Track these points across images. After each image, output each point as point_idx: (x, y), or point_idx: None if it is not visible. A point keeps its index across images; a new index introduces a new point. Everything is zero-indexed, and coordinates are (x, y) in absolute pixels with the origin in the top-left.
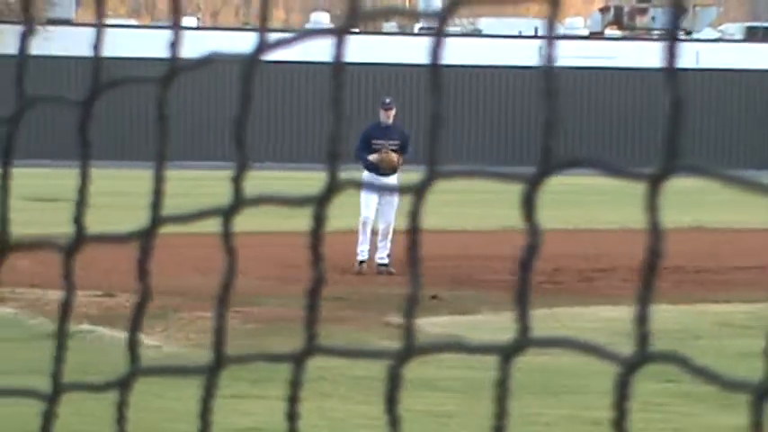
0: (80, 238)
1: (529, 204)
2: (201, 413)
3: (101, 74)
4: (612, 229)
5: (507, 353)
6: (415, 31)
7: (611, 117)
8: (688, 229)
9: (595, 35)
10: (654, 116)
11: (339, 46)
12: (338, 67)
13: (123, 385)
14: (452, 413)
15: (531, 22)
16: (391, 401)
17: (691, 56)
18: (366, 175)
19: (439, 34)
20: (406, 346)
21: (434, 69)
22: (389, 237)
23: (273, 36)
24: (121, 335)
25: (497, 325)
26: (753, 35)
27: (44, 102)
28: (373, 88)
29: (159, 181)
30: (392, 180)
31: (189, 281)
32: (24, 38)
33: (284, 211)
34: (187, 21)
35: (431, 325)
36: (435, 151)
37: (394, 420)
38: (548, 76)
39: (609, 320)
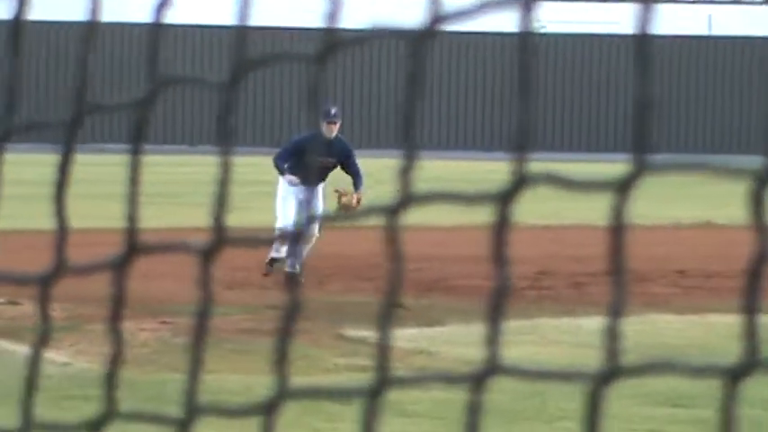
0: (219, 240)
1: (758, 203)
2: None
3: (245, 49)
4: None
5: (735, 374)
6: None
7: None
8: (696, 226)
9: None
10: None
11: (527, 15)
12: (528, 39)
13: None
14: None
15: None
16: None
17: (702, 21)
18: (284, 184)
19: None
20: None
21: (643, 41)
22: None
23: (450, 6)
24: (25, 350)
25: (470, 338)
26: None
27: (181, 82)
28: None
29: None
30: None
31: (107, 286)
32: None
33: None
34: None
35: (396, 339)
36: (645, 140)
37: None
38: None
39: (600, 334)
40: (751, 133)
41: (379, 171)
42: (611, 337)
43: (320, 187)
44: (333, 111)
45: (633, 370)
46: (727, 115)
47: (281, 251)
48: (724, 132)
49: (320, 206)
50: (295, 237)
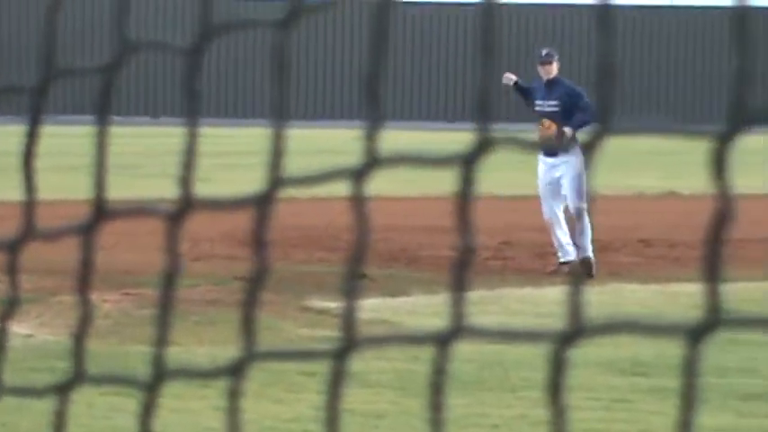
0: (186, 205)
1: (720, 165)
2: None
3: (210, 17)
4: None
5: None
6: None
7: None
8: (660, 196)
9: None
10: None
11: None
12: (490, 6)
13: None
14: (384, 412)
15: None
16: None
17: None
18: (540, 164)
19: None
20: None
21: (605, 10)
22: (582, 222)
23: None
24: None
25: (434, 308)
26: None
27: (147, 47)
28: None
29: (278, 139)
30: (559, 159)
31: (72, 258)
32: None
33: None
34: None
35: (359, 309)
36: (608, 104)
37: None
38: (741, 17)
39: (563, 304)
40: (713, 103)
41: (343, 143)
42: (576, 296)
43: (574, 155)
44: (544, 51)
45: (596, 330)
46: (689, 85)
47: (569, 252)
48: (686, 101)
49: (576, 175)
50: (554, 224)
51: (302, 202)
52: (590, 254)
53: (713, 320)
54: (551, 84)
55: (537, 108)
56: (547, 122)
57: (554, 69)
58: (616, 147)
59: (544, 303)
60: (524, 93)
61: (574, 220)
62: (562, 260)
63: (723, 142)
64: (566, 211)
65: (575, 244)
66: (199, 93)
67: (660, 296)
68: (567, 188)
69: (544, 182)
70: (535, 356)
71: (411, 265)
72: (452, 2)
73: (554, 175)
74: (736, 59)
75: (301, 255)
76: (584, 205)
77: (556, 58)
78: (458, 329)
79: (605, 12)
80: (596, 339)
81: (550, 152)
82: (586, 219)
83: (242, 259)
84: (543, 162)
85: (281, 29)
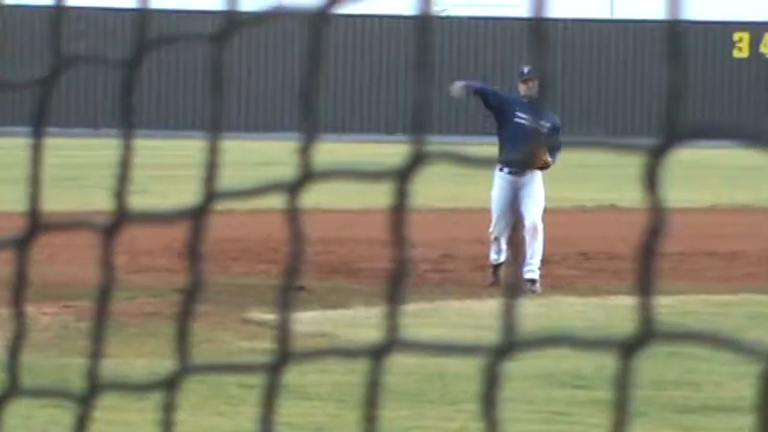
0: (121, 218)
1: (652, 179)
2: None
3: (147, 30)
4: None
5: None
6: None
7: None
8: (600, 209)
9: None
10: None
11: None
12: (426, 22)
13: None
14: (323, 425)
15: None
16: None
17: (604, 4)
18: (497, 175)
19: None
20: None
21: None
22: (538, 240)
23: None
24: None
25: (373, 321)
26: None
27: (83, 61)
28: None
29: (213, 152)
30: (526, 177)
31: (10, 270)
32: None
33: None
34: None
35: (297, 322)
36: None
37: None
38: (672, 33)
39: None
40: (652, 116)
41: (280, 155)
42: (509, 311)
43: (537, 175)
44: (526, 69)
45: (530, 343)
46: (629, 99)
47: (502, 255)
48: (625, 115)
49: (538, 194)
50: (510, 239)
51: (242, 214)
52: (536, 276)
53: (646, 334)
54: (535, 102)
55: (517, 120)
56: (542, 151)
57: (536, 86)
58: (558, 159)
59: (484, 316)
60: (487, 97)
61: (519, 238)
62: (495, 263)
63: (656, 156)
64: (512, 229)
65: (523, 261)
66: (135, 106)
67: (599, 309)
68: (526, 206)
69: (504, 199)
70: (476, 369)
71: (351, 278)
72: (390, 14)
73: (516, 193)
74: (669, 74)
75: (242, 267)
76: (542, 224)
77: (536, 75)
78: (392, 343)
79: (539, 24)
80: (535, 352)
81: (519, 172)
82: (542, 237)
83: (181, 272)
84: (505, 179)
85: (217, 42)
